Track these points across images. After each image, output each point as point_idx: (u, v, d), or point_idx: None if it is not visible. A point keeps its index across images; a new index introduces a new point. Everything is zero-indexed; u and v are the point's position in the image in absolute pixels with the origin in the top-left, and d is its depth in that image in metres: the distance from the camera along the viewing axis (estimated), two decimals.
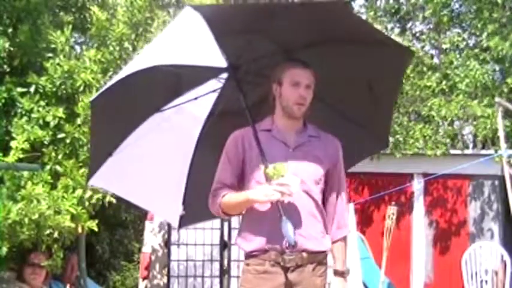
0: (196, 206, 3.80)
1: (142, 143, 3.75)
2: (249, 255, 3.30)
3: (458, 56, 9.60)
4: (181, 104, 3.74)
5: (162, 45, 3.48)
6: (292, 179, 3.15)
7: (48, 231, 5.19)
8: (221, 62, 3.51)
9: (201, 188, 3.66)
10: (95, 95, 3.59)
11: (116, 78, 3.49)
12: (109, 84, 3.53)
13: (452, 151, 9.32)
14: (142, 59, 3.48)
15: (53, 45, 5.69)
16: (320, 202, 3.34)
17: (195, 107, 3.77)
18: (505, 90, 9.21)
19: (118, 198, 5.65)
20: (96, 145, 3.83)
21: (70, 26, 5.82)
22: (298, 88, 3.28)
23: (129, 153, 3.75)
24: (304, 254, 3.22)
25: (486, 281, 8.65)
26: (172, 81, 3.65)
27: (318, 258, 3.29)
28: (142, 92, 3.56)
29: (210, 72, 3.62)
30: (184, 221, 3.98)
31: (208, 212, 3.44)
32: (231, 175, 3.33)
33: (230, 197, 3.28)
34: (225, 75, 3.65)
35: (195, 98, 3.73)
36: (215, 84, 3.72)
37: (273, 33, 3.38)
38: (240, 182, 3.34)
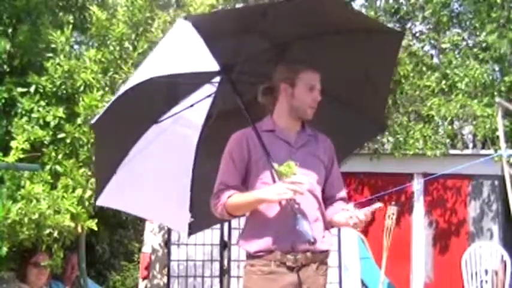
0: (204, 211, 3.76)
1: (143, 157, 3.75)
2: (253, 256, 3.27)
3: (457, 55, 9.60)
4: (178, 112, 3.74)
5: (157, 57, 3.47)
6: (303, 178, 3.15)
7: (48, 231, 5.18)
8: (214, 65, 3.50)
9: (206, 193, 3.64)
10: (95, 117, 3.58)
11: (115, 97, 3.50)
12: (108, 104, 3.52)
13: (452, 151, 9.32)
14: (138, 74, 3.48)
15: (53, 45, 5.68)
16: (321, 201, 3.36)
17: (191, 114, 3.77)
18: (503, 88, 9.21)
19: None
20: (101, 165, 3.84)
21: (70, 26, 5.82)
22: (313, 92, 3.32)
23: (132, 168, 3.75)
24: (308, 254, 3.22)
25: (486, 281, 8.65)
26: (167, 92, 3.66)
27: (321, 257, 3.30)
28: (140, 106, 3.55)
29: (204, 77, 3.62)
30: (193, 228, 3.97)
31: (216, 216, 3.41)
32: (235, 176, 3.30)
33: (237, 198, 3.24)
34: (218, 78, 3.64)
35: (191, 105, 3.73)
36: (210, 89, 3.72)
37: (265, 31, 3.39)
38: (243, 183, 3.32)
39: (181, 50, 3.39)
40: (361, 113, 3.74)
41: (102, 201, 3.88)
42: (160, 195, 3.89)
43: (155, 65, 3.42)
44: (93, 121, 3.62)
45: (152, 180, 3.87)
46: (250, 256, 3.29)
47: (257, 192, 3.21)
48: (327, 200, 3.40)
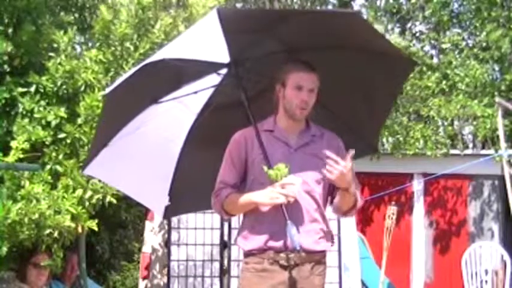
0: (182, 197, 3.87)
1: (136, 135, 3.79)
2: (248, 254, 3.33)
3: (457, 55, 9.60)
4: (179, 97, 3.77)
5: (178, 41, 3.53)
6: (294, 180, 3.17)
7: (48, 231, 5.18)
8: (224, 57, 3.52)
9: (190, 179, 3.74)
10: (110, 87, 3.61)
11: (131, 71, 3.53)
12: (123, 77, 3.54)
13: (452, 151, 9.32)
14: (159, 53, 3.52)
15: (55, 45, 5.68)
16: (322, 202, 3.35)
17: (191, 100, 3.79)
18: (503, 87, 9.21)
19: (118, 198, 5.67)
20: (96, 136, 3.89)
21: (74, 28, 5.81)
22: (301, 92, 3.30)
23: (123, 143, 3.79)
24: (303, 253, 3.23)
25: (486, 281, 8.65)
26: (173, 74, 3.66)
27: (316, 257, 3.31)
28: (143, 84, 3.58)
29: (212, 67, 3.63)
30: (169, 212, 4.00)
31: (195, 204, 3.47)
32: (234, 176, 3.36)
33: (234, 198, 3.31)
34: (225, 70, 3.64)
35: (195, 92, 3.75)
36: (216, 79, 3.74)
37: (281, 35, 3.39)
38: (243, 183, 3.37)
39: (197, 37, 3.43)
40: (354, 130, 3.73)
41: (89, 170, 3.94)
42: (144, 173, 3.91)
43: (172, 47, 3.47)
44: (107, 91, 3.62)
45: (140, 159, 3.90)
46: (245, 254, 3.35)
47: (251, 195, 3.26)
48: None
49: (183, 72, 3.67)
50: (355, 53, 3.45)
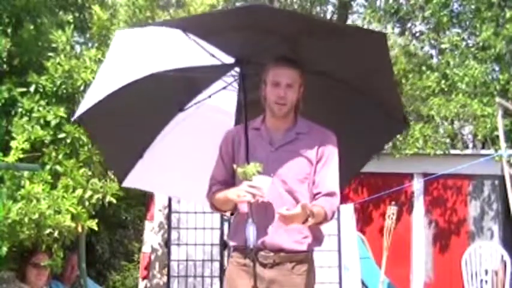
0: None
1: (173, 141, 3.93)
2: (234, 249, 3.43)
3: (456, 55, 9.59)
4: (202, 100, 3.88)
5: (139, 58, 3.56)
6: (261, 180, 3.19)
7: (48, 231, 5.18)
8: (229, 58, 3.58)
9: None
10: (77, 113, 3.67)
11: (102, 93, 3.54)
12: (96, 99, 3.56)
13: (452, 151, 9.32)
14: (122, 73, 3.56)
15: (54, 45, 5.68)
16: (307, 202, 3.28)
17: (218, 101, 3.88)
18: (498, 87, 9.21)
19: (118, 198, 5.67)
20: (116, 152, 3.97)
21: (72, 26, 5.82)
22: (277, 88, 3.31)
23: (161, 152, 3.94)
24: (282, 253, 3.28)
25: (486, 281, 8.65)
26: (186, 82, 3.74)
27: (298, 257, 3.33)
28: (155, 97, 3.68)
29: (217, 71, 3.70)
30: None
31: None
32: (223, 172, 3.44)
33: (218, 194, 3.41)
34: (232, 71, 3.72)
35: (209, 96, 3.84)
36: (223, 82, 3.81)
37: (265, 26, 3.39)
38: (232, 179, 3.42)
39: (177, 48, 3.50)
40: (385, 109, 3.70)
41: (129, 182, 4.09)
42: (193, 175, 3.97)
43: (156, 61, 3.52)
44: (75, 116, 3.71)
45: (184, 162, 4.01)
46: (232, 249, 3.45)
47: (226, 192, 3.35)
48: (315, 196, 3.35)
49: (195, 79, 3.75)
50: (338, 37, 3.40)
